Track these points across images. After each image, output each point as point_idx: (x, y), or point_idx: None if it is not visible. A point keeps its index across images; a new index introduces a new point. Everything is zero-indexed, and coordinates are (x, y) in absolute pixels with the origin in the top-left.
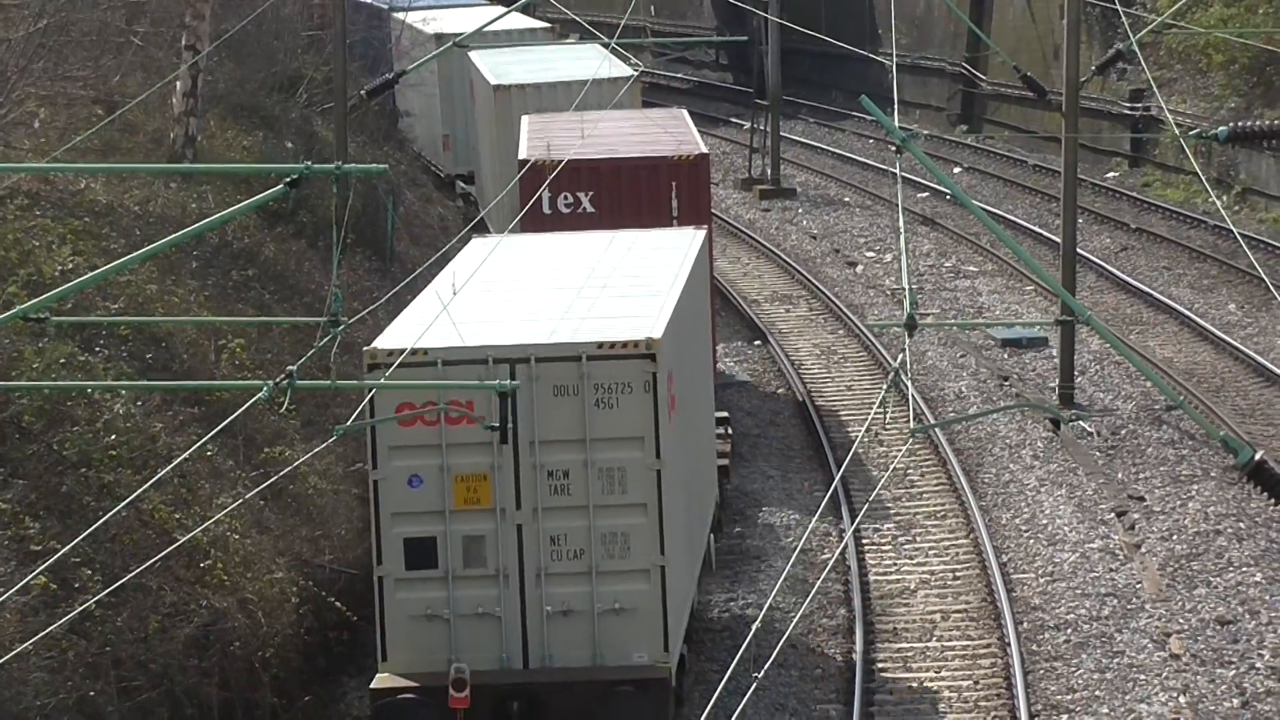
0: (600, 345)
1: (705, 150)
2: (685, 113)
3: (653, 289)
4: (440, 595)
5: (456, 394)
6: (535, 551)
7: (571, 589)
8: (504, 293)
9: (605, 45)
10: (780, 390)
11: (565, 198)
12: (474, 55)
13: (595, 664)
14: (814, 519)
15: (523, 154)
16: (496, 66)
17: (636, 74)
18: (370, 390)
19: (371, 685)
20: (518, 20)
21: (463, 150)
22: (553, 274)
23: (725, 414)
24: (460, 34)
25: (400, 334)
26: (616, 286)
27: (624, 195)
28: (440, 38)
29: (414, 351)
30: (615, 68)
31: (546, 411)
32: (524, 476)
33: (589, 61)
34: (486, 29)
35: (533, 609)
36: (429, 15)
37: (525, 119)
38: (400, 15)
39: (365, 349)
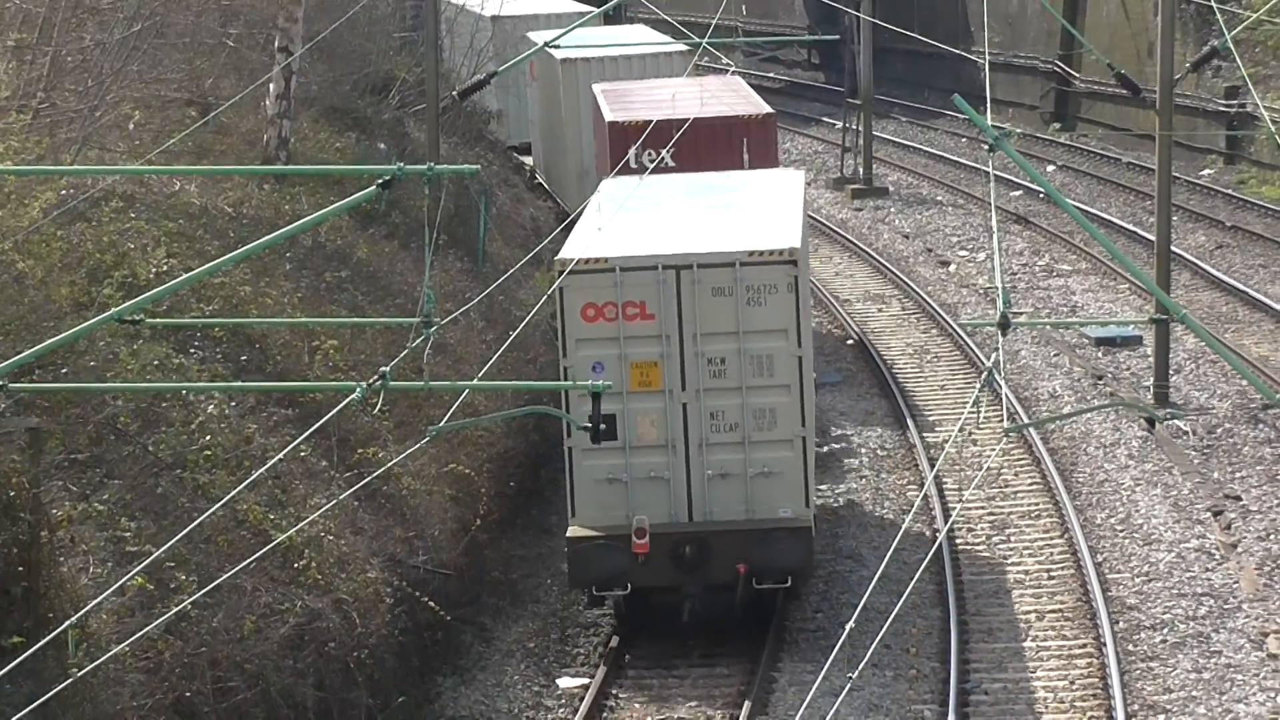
0: (751, 253)
1: (771, 110)
2: (740, 79)
3: (778, 211)
4: (619, 462)
5: (632, 297)
6: (698, 425)
7: (728, 456)
8: (652, 216)
9: (696, 45)
10: (872, 389)
11: (649, 153)
12: (531, 34)
13: (749, 517)
14: (908, 518)
15: (609, 118)
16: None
17: (688, 48)
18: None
19: (567, 534)
20: (565, 5)
21: (515, 124)
22: (687, 202)
23: None
24: (513, 16)
25: (577, 247)
26: (746, 210)
27: (701, 150)
28: (497, 20)
29: (596, 260)
30: (668, 43)
31: (706, 309)
32: (688, 363)
33: (638, 38)
34: (540, 11)
35: (696, 473)
36: None
37: (597, 87)
38: None
39: (555, 258)
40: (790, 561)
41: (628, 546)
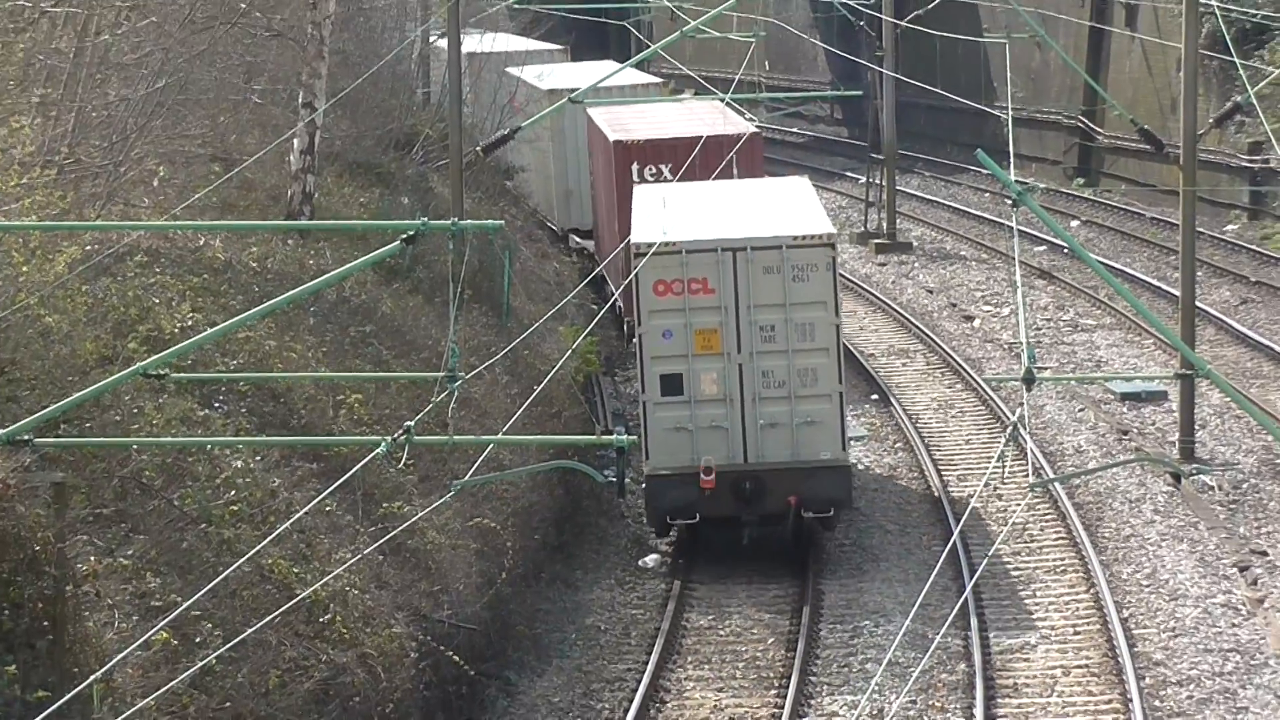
0: (796, 238)
1: (756, 130)
2: (721, 103)
3: (803, 206)
4: (685, 413)
5: (696, 275)
6: (752, 382)
7: (777, 408)
8: (702, 210)
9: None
10: (897, 444)
11: (650, 169)
12: (511, 70)
13: (795, 459)
14: (933, 574)
15: (613, 138)
16: (539, 78)
17: (660, 81)
18: (634, 271)
19: (645, 473)
20: (531, 44)
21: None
22: (722, 202)
23: None
24: (489, 53)
25: (643, 232)
26: (779, 205)
27: (696, 165)
28: (473, 56)
29: (666, 243)
30: (644, 77)
31: (758, 284)
32: (743, 330)
33: (605, 72)
34: (515, 49)
35: (750, 422)
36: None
37: (594, 112)
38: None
39: (630, 240)
40: (833, 494)
41: (696, 482)
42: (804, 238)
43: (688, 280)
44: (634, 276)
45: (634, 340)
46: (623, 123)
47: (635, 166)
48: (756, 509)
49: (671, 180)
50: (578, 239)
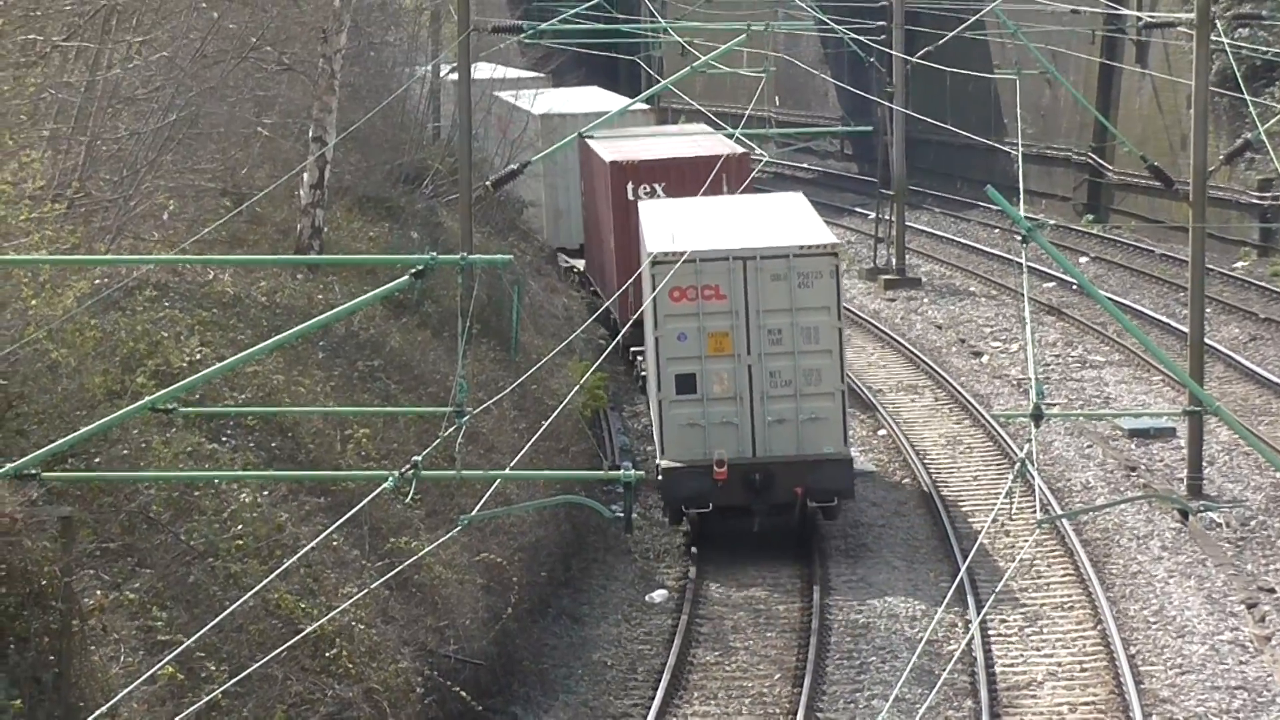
0: (802, 247)
1: (747, 151)
2: (707, 126)
3: (804, 219)
4: (698, 410)
5: (709, 282)
6: (760, 382)
7: (784, 406)
8: (706, 224)
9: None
10: (905, 480)
11: (645, 187)
12: (501, 94)
13: (800, 452)
14: (940, 610)
15: (609, 159)
16: (550, 111)
17: (648, 106)
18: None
19: (661, 466)
20: (516, 72)
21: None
22: (727, 215)
23: None
24: (477, 80)
25: (659, 243)
26: (779, 219)
27: (687, 184)
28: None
29: (681, 253)
30: (629, 101)
31: (766, 290)
32: (752, 333)
33: (592, 98)
34: (500, 76)
35: (759, 419)
36: None
37: (591, 138)
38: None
39: (649, 251)
40: (836, 485)
41: (709, 474)
42: (810, 247)
43: (701, 287)
44: (650, 283)
45: (629, 353)
46: (616, 145)
47: (630, 186)
48: (765, 499)
49: (664, 198)
50: (566, 257)
